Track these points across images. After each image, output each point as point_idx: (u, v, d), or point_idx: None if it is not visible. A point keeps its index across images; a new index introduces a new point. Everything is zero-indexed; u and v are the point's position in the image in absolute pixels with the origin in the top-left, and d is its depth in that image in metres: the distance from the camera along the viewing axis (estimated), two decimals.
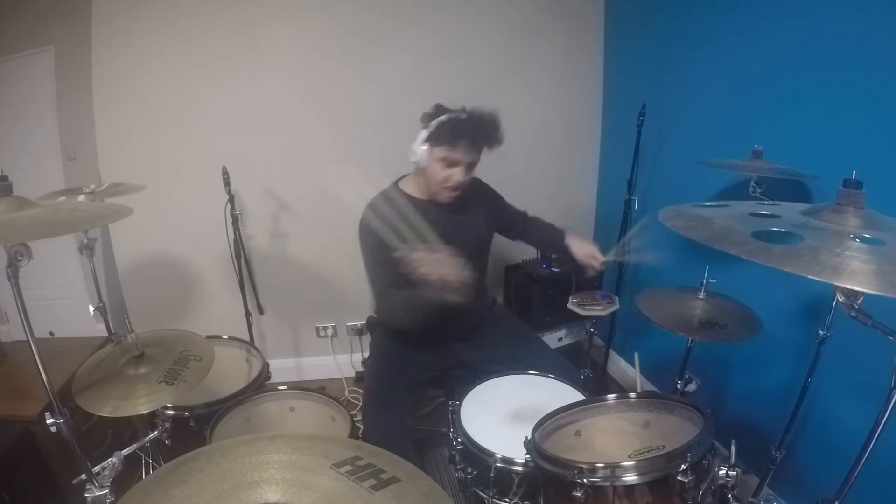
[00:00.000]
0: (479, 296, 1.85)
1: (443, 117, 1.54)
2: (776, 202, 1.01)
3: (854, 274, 0.67)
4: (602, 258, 1.71)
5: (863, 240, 0.75)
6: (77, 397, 1.15)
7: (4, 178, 0.99)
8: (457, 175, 1.56)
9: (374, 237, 1.55)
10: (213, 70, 2.27)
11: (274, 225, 2.47)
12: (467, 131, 1.51)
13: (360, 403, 2.49)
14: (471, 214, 1.74)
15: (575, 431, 1.29)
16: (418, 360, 1.73)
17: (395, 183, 1.73)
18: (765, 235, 0.77)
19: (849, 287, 0.67)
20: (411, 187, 1.70)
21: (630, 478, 1.00)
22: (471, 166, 1.58)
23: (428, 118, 1.58)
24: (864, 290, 0.65)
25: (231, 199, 2.10)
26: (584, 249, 1.75)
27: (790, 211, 0.89)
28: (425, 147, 1.55)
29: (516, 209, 1.94)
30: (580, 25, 2.55)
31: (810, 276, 0.66)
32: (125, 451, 1.20)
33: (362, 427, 1.58)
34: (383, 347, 1.80)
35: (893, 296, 0.63)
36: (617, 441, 1.25)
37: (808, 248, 0.72)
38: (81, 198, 1.61)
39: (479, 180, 1.85)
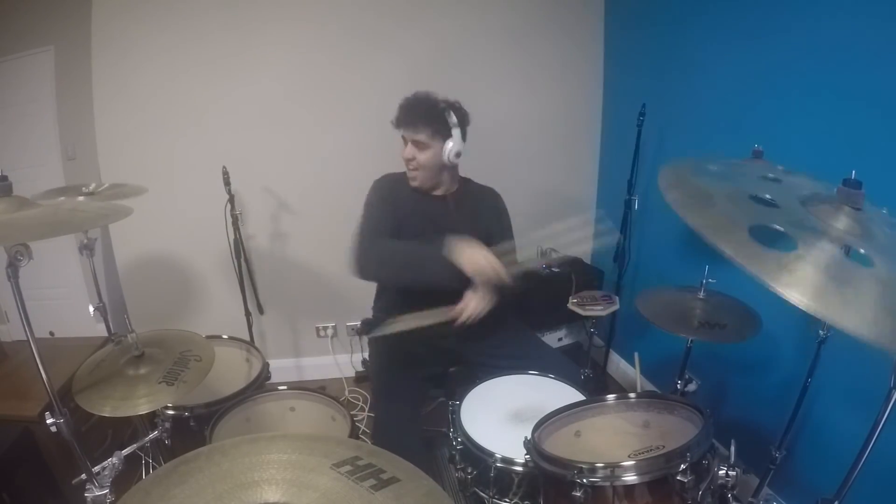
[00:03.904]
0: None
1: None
2: (780, 175, 0.98)
3: (836, 307, 0.66)
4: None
5: (854, 255, 0.74)
6: (77, 397, 1.15)
7: (4, 178, 0.99)
8: (406, 152, 1.65)
9: (386, 190, 1.72)
10: (214, 70, 2.27)
11: (274, 225, 2.47)
12: (402, 111, 1.66)
13: (362, 403, 2.50)
14: (469, 218, 1.73)
15: (575, 431, 1.29)
16: (419, 355, 1.75)
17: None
18: (761, 233, 0.76)
19: (827, 318, 0.65)
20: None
21: (630, 478, 1.00)
22: (417, 145, 1.63)
23: None
24: (841, 326, 0.64)
25: (231, 199, 2.10)
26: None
27: (791, 197, 0.87)
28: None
29: (512, 239, 1.89)
30: (580, 25, 2.55)
31: (792, 301, 0.66)
32: (125, 451, 1.20)
33: (374, 421, 1.60)
34: (384, 345, 1.81)
35: (866, 339, 0.62)
36: (617, 441, 1.25)
37: (799, 258, 0.71)
38: (81, 198, 1.60)
39: (496, 193, 1.85)
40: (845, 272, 0.71)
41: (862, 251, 0.75)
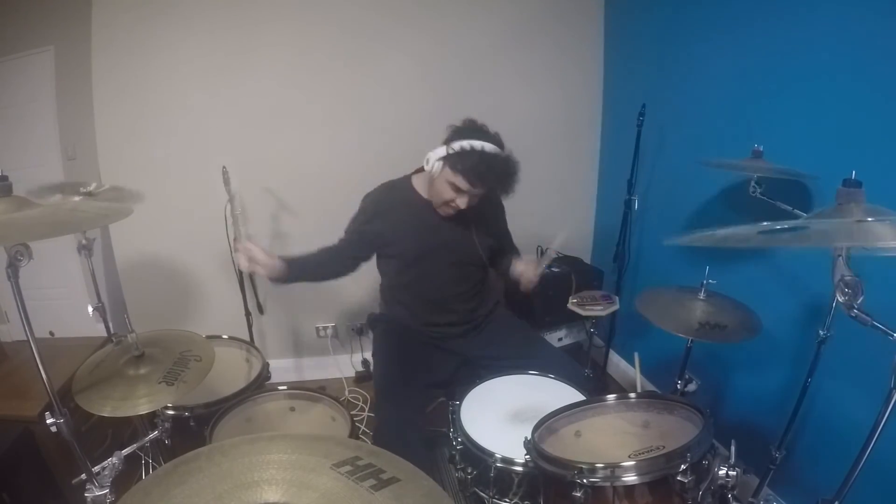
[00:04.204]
0: (481, 298, 1.86)
1: (467, 145, 1.49)
2: (776, 205, 0.99)
3: (869, 233, 0.67)
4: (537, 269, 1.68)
5: (867, 223, 0.75)
6: (77, 397, 1.15)
7: (4, 178, 0.99)
8: (460, 202, 1.56)
9: (364, 211, 1.72)
10: (214, 70, 2.27)
11: (274, 225, 2.47)
12: (484, 176, 1.49)
13: (362, 403, 2.50)
14: (470, 223, 1.72)
15: (575, 431, 1.29)
16: (424, 358, 1.74)
17: (409, 175, 1.76)
18: (770, 233, 0.77)
19: (873, 243, 0.66)
20: (420, 184, 1.72)
21: (630, 478, 1.00)
22: (476, 197, 1.58)
23: (455, 135, 1.54)
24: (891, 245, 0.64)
25: (231, 199, 2.10)
26: (521, 266, 1.73)
27: (792, 219, 0.89)
28: (440, 163, 1.54)
29: (510, 236, 1.94)
30: (580, 25, 2.55)
31: (826, 244, 0.66)
32: (125, 451, 1.20)
33: (375, 425, 1.59)
34: (388, 346, 1.81)
35: None
36: (617, 441, 1.25)
37: (816, 232, 0.73)
38: (78, 198, 1.60)
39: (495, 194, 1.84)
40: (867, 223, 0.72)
41: (871, 219, 0.76)
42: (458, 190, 1.54)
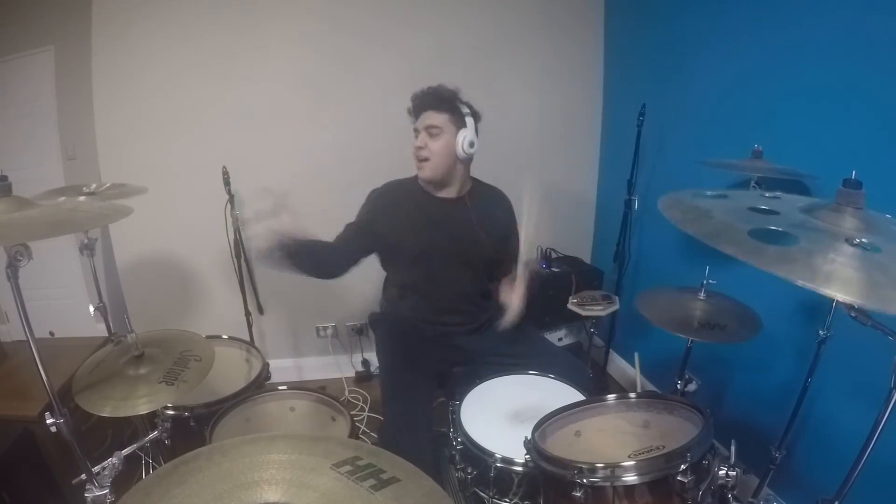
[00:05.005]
0: (482, 298, 1.85)
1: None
2: (776, 194, 0.99)
3: (845, 284, 0.66)
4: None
5: (857, 245, 0.74)
6: (77, 397, 1.15)
7: (4, 178, 0.99)
8: (418, 140, 1.64)
9: (369, 205, 1.71)
10: (214, 70, 2.27)
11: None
12: (416, 99, 1.67)
13: (362, 403, 2.50)
14: (478, 221, 1.71)
15: (575, 431, 1.29)
16: (427, 352, 1.74)
17: (417, 175, 1.75)
18: (761, 234, 0.76)
19: (837, 297, 0.66)
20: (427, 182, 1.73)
21: (630, 478, 1.00)
22: (431, 131, 1.62)
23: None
24: (852, 302, 0.65)
25: (231, 199, 2.10)
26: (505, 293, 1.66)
27: (790, 207, 0.87)
28: None
29: (515, 255, 1.73)
30: (580, 25, 2.56)
31: (801, 284, 0.66)
32: (125, 451, 1.20)
33: (383, 419, 1.59)
34: (391, 342, 1.81)
35: (879, 310, 0.63)
36: (617, 441, 1.25)
37: (803, 251, 0.72)
38: (82, 198, 1.61)
39: (503, 193, 1.82)
40: (858, 260, 0.71)
41: (864, 240, 0.75)
42: (416, 134, 1.67)
